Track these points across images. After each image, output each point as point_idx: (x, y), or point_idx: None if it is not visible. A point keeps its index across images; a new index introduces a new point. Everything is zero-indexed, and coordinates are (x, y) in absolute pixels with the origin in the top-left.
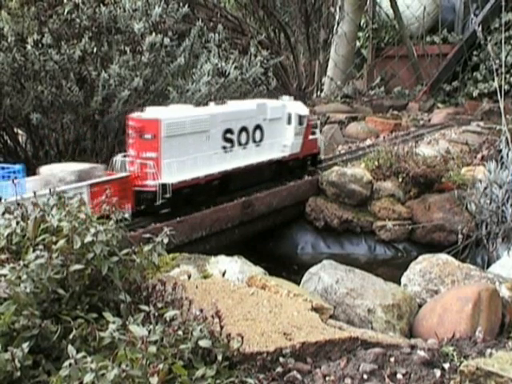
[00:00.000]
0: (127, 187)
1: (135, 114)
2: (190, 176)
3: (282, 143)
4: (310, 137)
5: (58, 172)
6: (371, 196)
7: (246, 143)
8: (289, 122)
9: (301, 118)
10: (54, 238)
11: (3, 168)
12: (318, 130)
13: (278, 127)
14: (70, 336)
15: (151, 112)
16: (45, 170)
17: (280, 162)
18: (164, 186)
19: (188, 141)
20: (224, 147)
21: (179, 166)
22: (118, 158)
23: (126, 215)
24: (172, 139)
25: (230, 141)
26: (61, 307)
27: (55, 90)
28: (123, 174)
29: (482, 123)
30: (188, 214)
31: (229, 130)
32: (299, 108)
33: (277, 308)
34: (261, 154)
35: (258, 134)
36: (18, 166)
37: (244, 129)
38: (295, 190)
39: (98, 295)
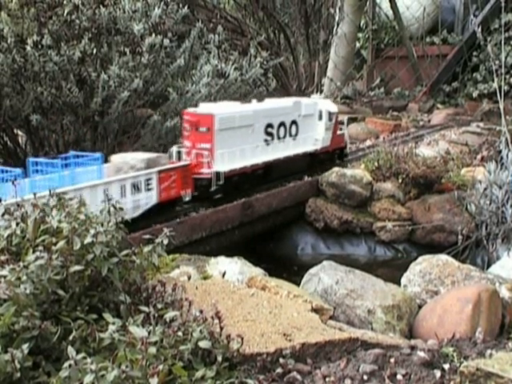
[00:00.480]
0: (188, 174)
1: (191, 110)
2: (239, 165)
3: (314, 137)
4: (338, 132)
5: (130, 160)
6: (371, 197)
7: (284, 137)
8: (320, 118)
9: (330, 115)
10: (54, 239)
11: (84, 156)
12: (344, 126)
13: (311, 123)
14: (70, 337)
15: (205, 108)
16: (116, 158)
17: (312, 155)
18: (218, 173)
19: (236, 134)
20: (266, 140)
21: (229, 157)
22: (174, 148)
23: (187, 199)
24: (223, 132)
25: (271, 134)
26: (61, 308)
27: (55, 91)
28: (185, 163)
29: (481, 124)
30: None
31: (270, 125)
32: (329, 105)
33: (277, 309)
34: (296, 146)
35: (293, 128)
36: (97, 154)
37: (282, 124)
38: (295, 191)
39: (97, 296)
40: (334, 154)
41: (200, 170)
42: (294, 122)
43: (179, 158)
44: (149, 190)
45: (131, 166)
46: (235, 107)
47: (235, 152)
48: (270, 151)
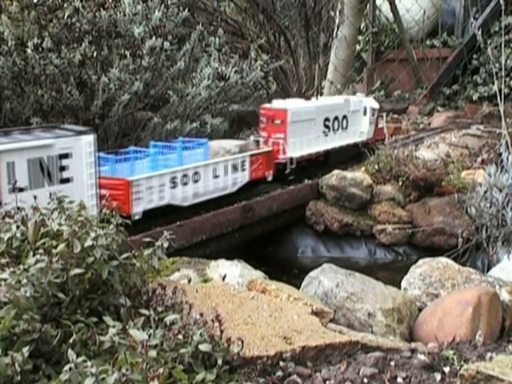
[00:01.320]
0: (271, 158)
1: (267, 105)
2: (306, 152)
3: (360, 130)
4: (379, 125)
5: (226, 145)
6: (371, 200)
7: (338, 129)
8: (364, 113)
9: (373, 111)
10: (54, 242)
11: (191, 141)
12: (384, 121)
13: (357, 118)
14: (70, 340)
15: (279, 103)
16: (214, 143)
17: (358, 145)
18: (291, 158)
19: (303, 126)
20: (324, 131)
21: (299, 145)
22: (252, 138)
23: (269, 179)
24: (294, 124)
25: (328, 127)
26: (61, 311)
27: (55, 93)
28: (269, 149)
29: (481, 127)
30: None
31: (327, 119)
32: (372, 102)
33: (277, 312)
34: (347, 138)
35: (344, 122)
36: (204, 140)
37: (336, 118)
38: (295, 193)
39: (98, 299)
40: (375, 145)
41: (277, 156)
42: (344, 117)
43: (257, 147)
44: (243, 170)
45: (227, 151)
46: (301, 103)
47: (303, 141)
48: (327, 141)
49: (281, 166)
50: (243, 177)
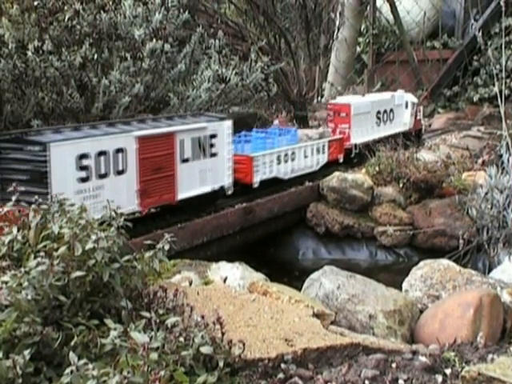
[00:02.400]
0: (342, 144)
1: (333, 101)
2: (364, 140)
3: (403, 121)
4: (418, 117)
5: (308, 133)
6: (372, 201)
7: (386, 121)
8: (406, 107)
9: (413, 104)
10: (55, 245)
11: (284, 129)
12: (421, 113)
13: (401, 111)
14: (72, 343)
15: (342, 100)
16: (299, 131)
17: (402, 134)
18: (355, 144)
19: (362, 117)
20: (377, 122)
21: (360, 134)
22: (321, 128)
23: (341, 161)
24: (356, 116)
25: (379, 118)
26: (62, 314)
27: (56, 96)
28: (340, 136)
29: (482, 128)
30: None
31: (378, 112)
32: (412, 97)
33: (278, 314)
34: (393, 128)
35: (391, 114)
36: (293, 128)
37: (385, 111)
38: (296, 195)
39: (99, 302)
40: (415, 134)
41: (345, 142)
42: (391, 110)
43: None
44: (323, 152)
45: (309, 137)
46: (360, 99)
47: (362, 130)
48: (378, 131)
49: (347, 150)
50: (323, 158)
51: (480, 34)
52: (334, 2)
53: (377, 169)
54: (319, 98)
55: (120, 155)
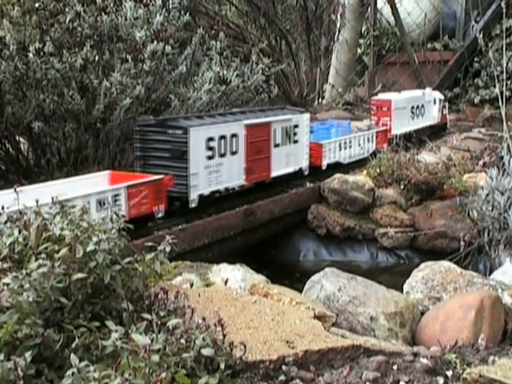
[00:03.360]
0: (386, 135)
1: (376, 97)
2: (403, 131)
3: (432, 116)
4: (444, 112)
5: (358, 125)
6: (373, 203)
7: (418, 115)
8: (434, 103)
9: (440, 101)
10: (57, 247)
11: (338, 123)
12: (446, 109)
13: (430, 106)
14: (73, 345)
15: (383, 96)
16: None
17: (431, 127)
18: (396, 135)
19: (399, 112)
20: (411, 116)
21: (398, 126)
22: (367, 121)
23: (385, 149)
24: (395, 110)
25: (413, 113)
26: (63, 316)
27: (57, 98)
28: (384, 128)
29: (483, 130)
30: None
31: (412, 107)
32: (439, 95)
33: (279, 316)
34: (424, 121)
35: (422, 109)
36: (346, 121)
37: (418, 106)
38: (297, 197)
39: (100, 304)
40: (442, 128)
41: (388, 133)
42: (422, 106)
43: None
44: (372, 142)
45: (359, 128)
46: (397, 96)
47: (400, 123)
48: (413, 123)
49: (390, 140)
50: (372, 146)
51: (481, 35)
52: (334, 3)
53: (378, 171)
54: (320, 100)
55: (234, 139)
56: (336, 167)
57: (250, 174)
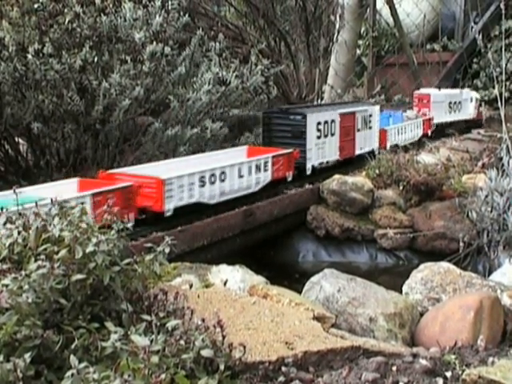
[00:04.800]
0: (430, 123)
1: (417, 92)
2: (442, 121)
3: (468, 112)
4: (480, 110)
5: (407, 114)
6: (372, 204)
7: (455, 110)
8: (471, 101)
9: (477, 100)
10: (56, 248)
11: (394, 112)
12: (482, 107)
13: (467, 103)
14: (72, 346)
15: (425, 91)
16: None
17: (467, 121)
18: (436, 124)
19: (437, 105)
20: (449, 110)
21: (437, 116)
22: (411, 111)
23: (429, 135)
24: (433, 103)
25: (451, 107)
26: (63, 317)
27: (56, 99)
28: (429, 117)
29: (482, 131)
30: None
31: (450, 102)
32: (476, 94)
33: (279, 317)
34: (460, 115)
35: (459, 105)
36: (399, 111)
37: (455, 102)
38: (296, 198)
39: (99, 305)
40: (477, 123)
41: (431, 122)
42: (459, 102)
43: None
44: (419, 128)
45: (409, 118)
46: (436, 91)
47: (439, 114)
48: (450, 116)
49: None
50: (420, 132)
51: (480, 36)
52: (333, 4)
53: (377, 171)
54: (319, 101)
55: (332, 124)
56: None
57: (342, 151)
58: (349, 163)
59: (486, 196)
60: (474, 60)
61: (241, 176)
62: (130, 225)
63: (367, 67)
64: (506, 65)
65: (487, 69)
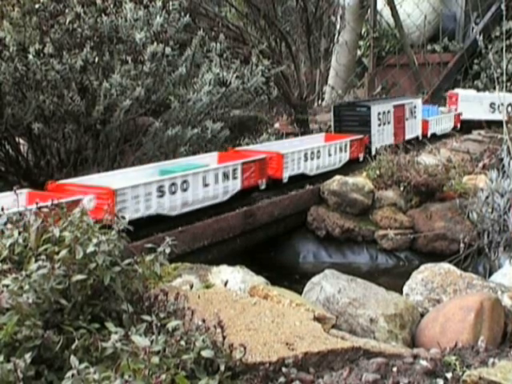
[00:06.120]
0: (459, 118)
1: (451, 91)
2: (476, 118)
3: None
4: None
5: (441, 109)
6: (373, 205)
7: (495, 110)
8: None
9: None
10: (57, 248)
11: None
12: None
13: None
14: (73, 346)
15: (456, 91)
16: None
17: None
18: (464, 121)
19: (470, 104)
20: (489, 110)
21: (470, 115)
22: (442, 109)
23: (457, 129)
24: (463, 102)
25: (493, 108)
26: (63, 317)
27: (57, 99)
28: (459, 112)
29: (483, 132)
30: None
31: (491, 103)
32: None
33: (279, 318)
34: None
35: (499, 107)
36: (435, 107)
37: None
38: (297, 199)
39: (100, 305)
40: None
41: (460, 117)
42: (502, 104)
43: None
44: (451, 122)
45: (443, 112)
46: (468, 92)
47: (474, 112)
48: (491, 115)
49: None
50: (451, 125)
51: (481, 37)
52: (334, 5)
53: (377, 172)
54: (320, 102)
55: (388, 114)
56: (432, 137)
57: (396, 136)
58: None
59: (487, 197)
60: (475, 61)
61: (330, 155)
62: None
63: (368, 68)
64: (507, 66)
65: (488, 70)
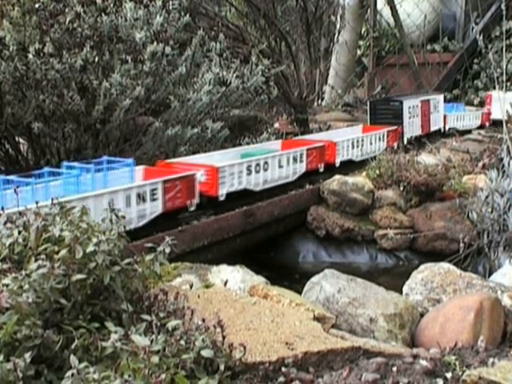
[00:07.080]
0: (488, 116)
1: (487, 92)
2: (496, 117)
3: None
4: None
5: (469, 107)
6: (372, 205)
7: None
8: None
9: None
10: (56, 248)
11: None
12: None
13: None
14: (72, 346)
15: (490, 92)
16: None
17: None
18: (494, 120)
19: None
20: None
21: (495, 113)
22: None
23: (487, 126)
24: (495, 103)
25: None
26: (63, 317)
27: (57, 98)
28: (488, 111)
29: (483, 131)
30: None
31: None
32: None
33: (279, 317)
34: None
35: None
36: (461, 104)
37: None
38: (296, 199)
39: (100, 305)
40: None
41: (489, 116)
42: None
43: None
44: (478, 119)
45: (470, 110)
46: (496, 93)
47: (496, 111)
48: None
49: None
50: (478, 122)
51: (480, 37)
52: (334, 5)
53: (377, 172)
54: (319, 101)
55: (416, 108)
56: (453, 131)
57: (422, 128)
58: (426, 137)
59: (487, 197)
60: (475, 61)
61: (371, 143)
62: None
63: (368, 68)
64: (507, 65)
65: (488, 69)
